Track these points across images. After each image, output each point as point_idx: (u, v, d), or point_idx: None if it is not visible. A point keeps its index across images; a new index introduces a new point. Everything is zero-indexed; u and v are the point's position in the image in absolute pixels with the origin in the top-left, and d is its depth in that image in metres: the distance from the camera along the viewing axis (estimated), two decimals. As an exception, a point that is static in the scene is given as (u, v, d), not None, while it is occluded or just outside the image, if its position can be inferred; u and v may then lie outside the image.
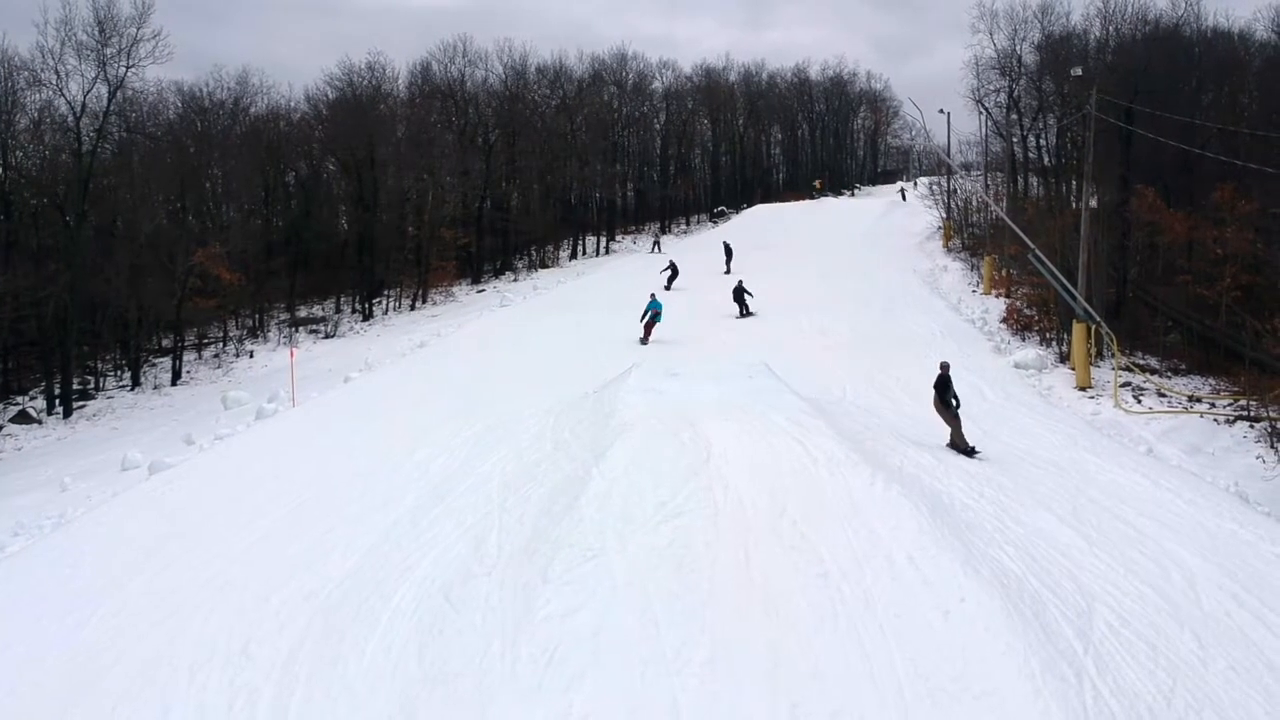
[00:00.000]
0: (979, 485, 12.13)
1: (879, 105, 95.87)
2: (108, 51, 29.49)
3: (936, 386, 17.21)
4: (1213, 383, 22.50)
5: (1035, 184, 47.09)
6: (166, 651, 8.92)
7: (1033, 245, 23.96)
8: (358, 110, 44.92)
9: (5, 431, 24.64)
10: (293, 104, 50.53)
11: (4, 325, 25.59)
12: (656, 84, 71.12)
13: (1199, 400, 20.92)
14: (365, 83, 49.28)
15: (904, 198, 64.87)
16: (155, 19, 40.49)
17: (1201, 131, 29.17)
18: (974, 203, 45.85)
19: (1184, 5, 39.41)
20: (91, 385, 28.49)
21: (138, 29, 30.28)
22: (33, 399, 27.93)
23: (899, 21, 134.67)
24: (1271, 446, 17.83)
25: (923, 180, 66.41)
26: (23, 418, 25.33)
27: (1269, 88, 36.12)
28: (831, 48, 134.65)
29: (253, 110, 47.64)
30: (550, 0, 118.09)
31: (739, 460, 11.12)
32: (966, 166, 53.91)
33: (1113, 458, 15.51)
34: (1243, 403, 19.92)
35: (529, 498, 11.15)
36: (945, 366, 17.36)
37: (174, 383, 29.13)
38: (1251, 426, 18.99)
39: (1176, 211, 27.41)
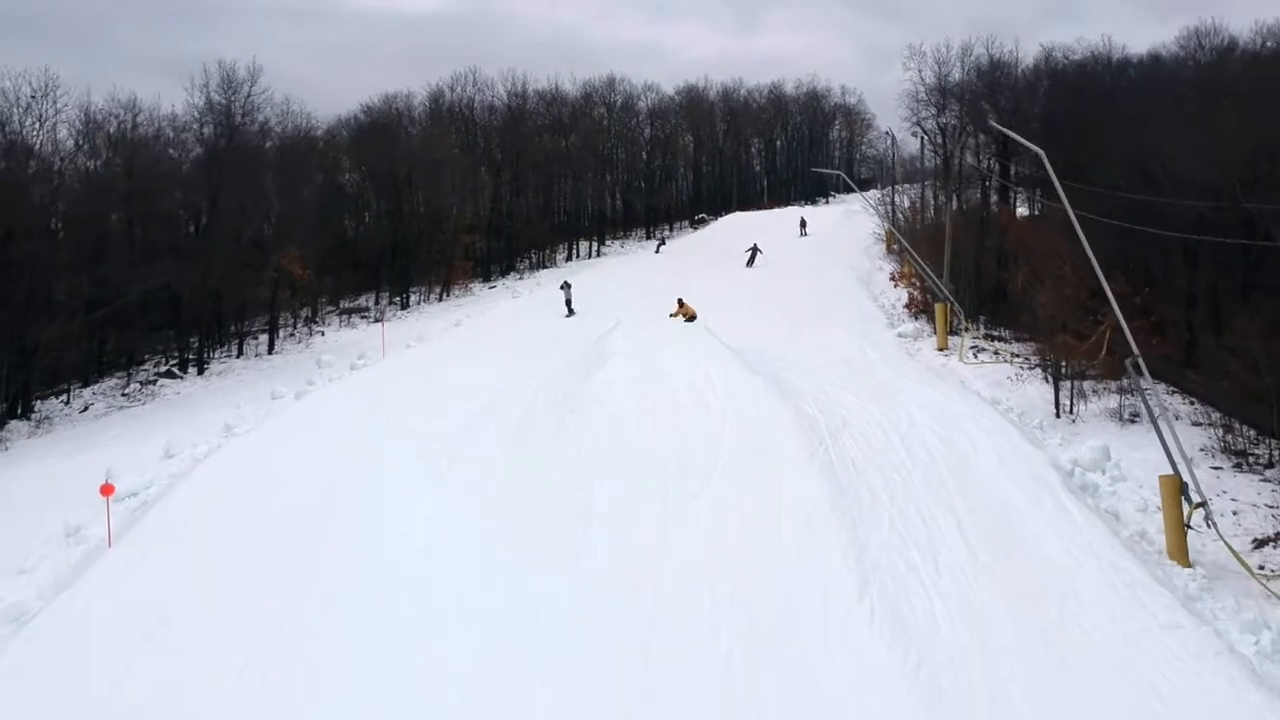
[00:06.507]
0: (818, 381, 20.83)
1: (853, 117, 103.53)
2: (231, 105, 39.54)
3: None
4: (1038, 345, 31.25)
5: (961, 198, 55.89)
6: (389, 451, 17.55)
7: (908, 245, 32.80)
8: (392, 139, 54.01)
9: (161, 384, 33.51)
10: (315, 123, 59.01)
11: (144, 307, 34.57)
12: (642, 104, 79.39)
13: (1017, 355, 29.65)
14: (394, 109, 58.43)
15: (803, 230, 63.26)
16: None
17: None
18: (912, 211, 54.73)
19: (1080, 46, 48.26)
20: (205, 355, 37.27)
21: (250, 86, 40.14)
22: (158, 365, 36.63)
23: (887, 28, 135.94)
24: (1045, 380, 26.50)
25: (873, 193, 74.62)
26: (170, 374, 34.19)
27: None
28: (818, 54, 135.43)
29: (291, 132, 56.00)
30: (539, 7, 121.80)
31: (676, 367, 19.94)
32: (909, 180, 62.75)
33: (928, 384, 23.73)
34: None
35: (558, 388, 19.98)
36: None
37: (270, 352, 38.15)
38: (1042, 370, 27.70)
39: (1026, 220, 36.36)
